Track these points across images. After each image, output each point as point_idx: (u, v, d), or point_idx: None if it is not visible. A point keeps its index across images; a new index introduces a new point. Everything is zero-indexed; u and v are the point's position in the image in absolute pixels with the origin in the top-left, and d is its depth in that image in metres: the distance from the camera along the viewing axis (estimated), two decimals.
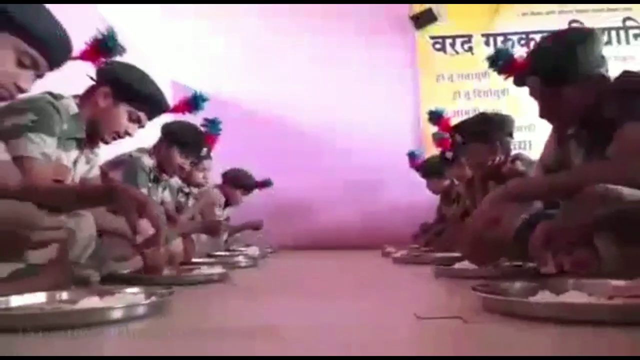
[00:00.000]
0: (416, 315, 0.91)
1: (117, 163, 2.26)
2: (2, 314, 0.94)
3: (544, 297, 0.89)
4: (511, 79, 1.67)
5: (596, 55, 1.44)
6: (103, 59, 1.49)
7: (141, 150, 2.38)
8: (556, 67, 1.41)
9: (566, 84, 1.41)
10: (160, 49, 4.08)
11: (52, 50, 1.21)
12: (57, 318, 0.87)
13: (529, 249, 1.15)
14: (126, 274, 1.61)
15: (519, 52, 4.50)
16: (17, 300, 1.01)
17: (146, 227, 1.14)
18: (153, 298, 1.01)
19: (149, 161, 2.36)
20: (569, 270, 1.28)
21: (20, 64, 1.17)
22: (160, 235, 1.12)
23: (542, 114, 1.52)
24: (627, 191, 1.25)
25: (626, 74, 1.47)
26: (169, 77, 4.11)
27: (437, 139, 2.73)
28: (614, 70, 4.76)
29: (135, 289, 1.09)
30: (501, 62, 1.55)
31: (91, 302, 0.94)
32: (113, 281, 1.53)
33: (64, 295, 1.07)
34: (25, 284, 1.10)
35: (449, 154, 2.67)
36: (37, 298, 1.05)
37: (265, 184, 3.69)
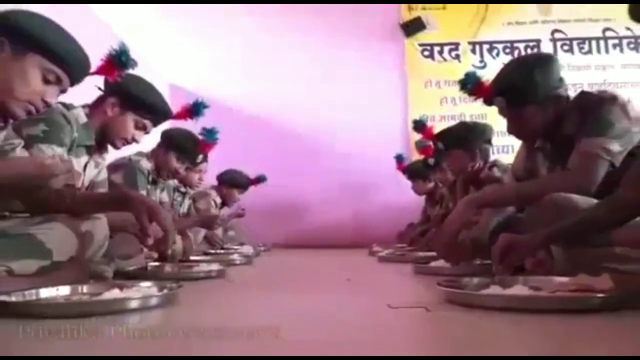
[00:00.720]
0: (389, 305, 1.08)
1: (117, 166, 2.39)
2: (34, 303, 1.11)
3: (494, 290, 1.07)
4: None
5: (555, 78, 1.60)
6: (117, 73, 1.62)
7: (140, 154, 2.51)
8: (518, 89, 1.57)
9: (528, 104, 1.57)
10: (159, 53, 4.21)
11: (73, 67, 1.34)
12: (87, 306, 1.05)
13: (491, 256, 1.31)
14: (132, 270, 1.77)
15: (504, 59, 4.68)
16: (45, 292, 1.17)
17: (156, 230, 1.30)
18: (165, 290, 1.17)
19: (146, 164, 2.49)
20: (529, 269, 1.45)
21: (46, 81, 1.29)
22: (168, 237, 1.29)
23: (510, 131, 1.69)
24: (581, 200, 1.43)
25: (583, 94, 1.64)
26: (167, 80, 4.24)
27: (420, 147, 2.91)
28: (594, 77, 4.94)
29: (148, 283, 1.25)
30: (470, 86, 1.72)
31: (113, 293, 1.11)
32: (121, 277, 1.69)
33: (85, 288, 1.23)
34: (50, 278, 1.26)
35: (431, 160, 2.85)
36: (62, 291, 1.21)
37: (260, 179, 3.84)
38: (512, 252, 1.28)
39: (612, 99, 1.55)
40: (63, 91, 1.38)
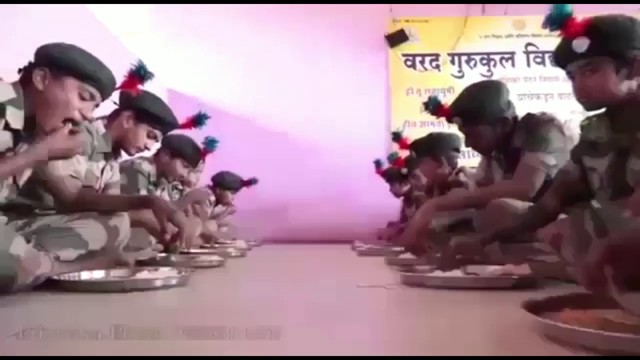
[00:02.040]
0: (357, 285, 1.40)
1: (120, 169, 2.66)
2: (84, 281, 1.42)
3: (436, 274, 1.39)
4: None
5: (503, 102, 1.91)
6: (139, 86, 1.88)
7: (141, 157, 2.78)
8: (471, 111, 1.89)
9: (480, 124, 1.89)
10: (156, 58, 4.47)
11: (103, 85, 1.59)
12: (127, 284, 1.38)
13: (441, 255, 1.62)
14: (145, 260, 2.07)
15: (481, 70, 4.96)
16: (84, 275, 1.47)
17: (172, 227, 1.61)
18: (183, 273, 1.48)
19: (148, 167, 2.75)
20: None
21: (82, 98, 1.53)
22: (183, 233, 1.59)
23: (467, 144, 2.01)
24: (520, 205, 1.76)
25: (528, 115, 1.96)
26: (164, 85, 4.52)
27: (392, 160, 3.23)
28: (563, 88, 5.26)
29: (167, 268, 1.56)
30: (432, 107, 2.04)
31: (143, 274, 1.41)
32: (136, 264, 1.98)
33: (115, 272, 1.54)
34: (86, 264, 1.56)
35: (404, 170, 3.18)
36: (96, 274, 1.51)
37: (251, 182, 4.12)
38: (459, 253, 1.59)
39: (550, 121, 1.87)
40: (97, 106, 1.64)
